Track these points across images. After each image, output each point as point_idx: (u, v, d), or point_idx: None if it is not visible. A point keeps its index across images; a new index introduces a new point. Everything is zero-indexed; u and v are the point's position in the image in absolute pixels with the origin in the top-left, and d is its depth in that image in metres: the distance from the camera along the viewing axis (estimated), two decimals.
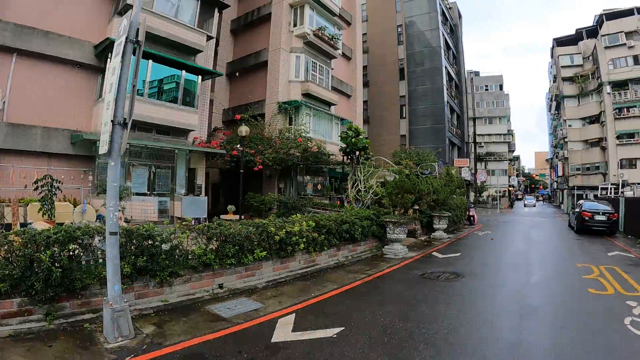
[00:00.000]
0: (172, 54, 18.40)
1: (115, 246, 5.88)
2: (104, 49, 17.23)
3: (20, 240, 6.18)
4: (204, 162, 20.81)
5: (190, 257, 7.85)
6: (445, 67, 45.65)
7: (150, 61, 17.62)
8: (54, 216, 12.91)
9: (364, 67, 39.36)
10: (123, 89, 5.88)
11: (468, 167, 47.56)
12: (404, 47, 44.93)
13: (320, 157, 22.91)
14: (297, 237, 9.95)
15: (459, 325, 6.51)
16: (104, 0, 18.67)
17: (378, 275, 10.40)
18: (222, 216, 17.35)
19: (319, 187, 26.37)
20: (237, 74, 28.09)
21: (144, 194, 17.41)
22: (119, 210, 12.74)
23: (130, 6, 16.60)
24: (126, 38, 5.90)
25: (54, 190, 12.85)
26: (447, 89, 45.34)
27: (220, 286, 8.23)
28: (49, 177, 12.81)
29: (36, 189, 12.68)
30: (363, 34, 39.03)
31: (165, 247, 7.47)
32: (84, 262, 6.65)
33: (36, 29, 16.31)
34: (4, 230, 10.63)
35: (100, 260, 6.81)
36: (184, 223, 8.46)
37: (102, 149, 5.97)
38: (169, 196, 18.23)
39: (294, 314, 7.00)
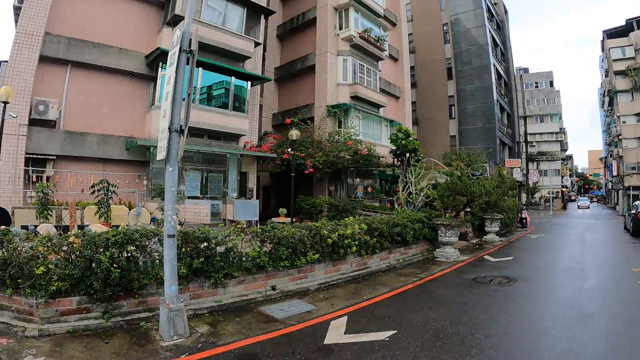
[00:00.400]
0: (221, 61, 18.83)
1: (173, 248, 6.08)
2: (155, 58, 17.93)
3: (80, 242, 6.40)
4: (255, 165, 21.06)
5: (244, 259, 7.97)
6: (494, 65, 44.29)
7: (200, 69, 18.10)
8: (110, 218, 13.49)
9: (411, 68, 38.80)
10: (178, 97, 6.05)
11: (520, 167, 46.12)
12: (450, 45, 44.13)
13: (370, 159, 22.73)
14: (350, 240, 9.94)
15: (510, 331, 6.36)
16: (153, 12, 19.48)
17: (430, 279, 10.28)
18: (273, 219, 17.46)
19: (369, 189, 26.13)
20: (284, 79, 28.42)
21: (197, 197, 17.84)
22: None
23: (179, 16, 17.43)
24: (180, 48, 6.07)
25: (110, 194, 13.48)
26: (496, 87, 43.96)
27: (273, 288, 8.33)
28: (105, 181, 13.47)
29: (93, 192, 13.37)
30: (409, 34, 38.46)
31: (220, 249, 7.59)
32: (140, 263, 6.85)
33: (88, 42, 17.24)
34: (62, 232, 11.15)
35: (157, 262, 7.01)
36: (238, 226, 8.54)
37: (160, 155, 6.18)
38: (221, 199, 18.59)
39: (346, 317, 6.98)
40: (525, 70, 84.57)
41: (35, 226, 11.22)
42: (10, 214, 12.83)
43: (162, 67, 17.86)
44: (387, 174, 26.64)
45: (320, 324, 6.62)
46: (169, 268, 6.00)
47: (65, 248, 6.41)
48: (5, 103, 11.68)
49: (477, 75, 43.06)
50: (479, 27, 43.83)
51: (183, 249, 7.14)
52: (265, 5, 22.02)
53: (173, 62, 6.21)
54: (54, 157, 16.22)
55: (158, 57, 17.70)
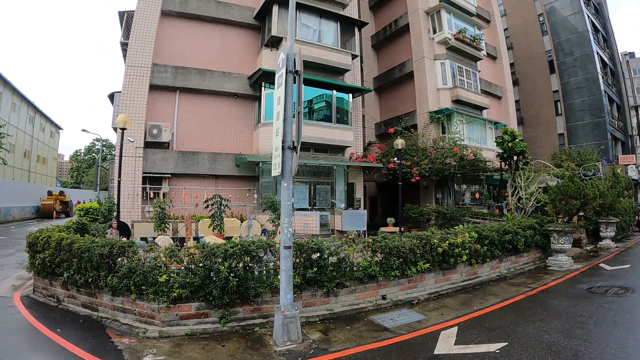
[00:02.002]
0: (321, 76, 19.12)
1: (289, 259, 6.44)
2: (257, 79, 18.64)
3: (199, 253, 6.90)
4: (362, 176, 20.98)
5: (355, 269, 8.13)
6: (597, 53, 40.34)
7: (302, 85, 18.24)
8: (223, 230, 14.10)
9: (511, 65, 36.76)
10: (289, 116, 6.39)
11: (635, 164, 41.92)
12: (548, 37, 41.28)
13: (476, 164, 21.77)
14: (460, 249, 9.81)
15: (627, 346, 5.91)
16: (249, 36, 20.51)
17: (542, 289, 9.84)
18: (381, 228, 17.27)
19: (477, 195, 25.00)
20: (383, 88, 28.17)
21: (305, 209, 18.14)
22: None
23: (276, 37, 18.16)
24: (286, 69, 6.42)
25: (223, 207, 14.07)
26: (602, 77, 40.02)
27: (383, 297, 8.44)
28: (218, 196, 14.16)
29: (207, 207, 14.06)
30: (504, 29, 36.55)
31: (332, 259, 7.79)
32: (256, 273, 7.26)
33: (191, 68, 18.59)
34: (178, 244, 11.68)
35: (271, 271, 7.44)
36: (349, 237, 8.68)
37: (275, 171, 6.50)
38: (329, 210, 18.77)
39: (456, 327, 6.94)
40: (631, 54, 76.85)
41: (154, 238, 12.07)
42: (130, 227, 13.90)
43: (264, 87, 18.57)
44: (494, 178, 25.34)
45: (430, 334, 6.63)
46: (284, 277, 6.35)
47: (186, 259, 6.95)
48: (123, 129, 12.56)
49: (581, 66, 39.77)
50: (576, 14, 40.50)
51: (297, 260, 7.44)
52: (357, 18, 22.11)
53: (281, 83, 6.57)
54: (169, 175, 17.52)
55: (260, 78, 18.42)
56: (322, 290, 7.62)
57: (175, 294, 6.62)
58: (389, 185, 24.06)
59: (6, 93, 38.84)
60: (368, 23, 24.98)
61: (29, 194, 35.71)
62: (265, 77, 18.35)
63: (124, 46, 20.19)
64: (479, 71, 27.30)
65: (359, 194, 20.49)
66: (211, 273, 6.71)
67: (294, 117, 6.56)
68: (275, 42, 18.90)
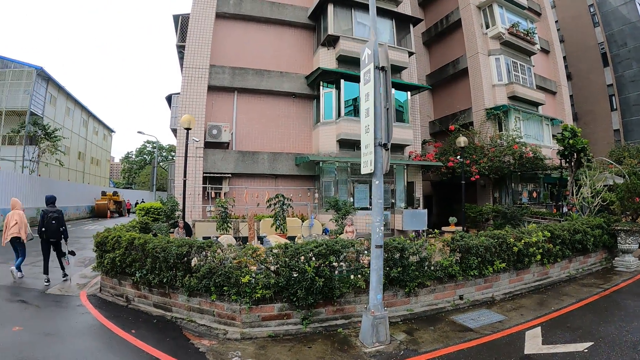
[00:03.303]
0: None
1: (380, 258, 6.31)
2: (315, 78, 18.62)
3: (283, 253, 6.80)
4: (420, 175, 20.73)
5: (435, 268, 7.98)
6: None
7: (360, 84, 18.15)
8: (286, 230, 14.08)
9: (563, 59, 35.60)
10: (378, 112, 6.20)
11: None
12: (600, 28, 39.53)
13: (536, 162, 21.17)
14: (534, 248, 9.60)
15: None
16: (304, 36, 20.60)
17: (614, 290, 9.61)
18: (443, 228, 16.92)
19: (534, 194, 24.33)
20: (436, 85, 27.76)
21: (366, 209, 17.93)
22: (351, 224, 13.21)
23: (332, 36, 18.23)
24: (374, 65, 6.26)
25: (285, 207, 14.06)
26: None
27: (461, 297, 8.33)
28: (280, 195, 14.21)
29: (269, 206, 14.17)
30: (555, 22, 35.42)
31: (413, 258, 7.68)
32: (336, 273, 7.10)
33: (249, 69, 18.79)
34: (241, 243, 11.70)
35: (356, 270, 7.28)
36: (429, 236, 8.72)
37: (366, 169, 6.35)
38: (390, 209, 18.55)
39: (539, 327, 6.84)
40: None
41: (217, 237, 11.96)
42: (191, 226, 14.07)
43: (322, 86, 18.64)
44: (552, 177, 24.62)
45: (516, 335, 6.55)
46: (375, 277, 6.21)
47: (270, 259, 6.86)
48: (188, 129, 12.82)
49: (635, 58, 37.78)
50: (628, 3, 38.48)
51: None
52: (411, 14, 21.81)
53: (368, 79, 6.43)
54: (229, 175, 17.75)
55: (318, 77, 18.44)
56: (403, 290, 7.52)
57: (258, 295, 6.51)
58: (444, 185, 23.70)
59: (60, 98, 40.23)
60: (423, 19, 24.69)
61: (84, 194, 36.80)
62: (323, 76, 18.39)
63: (180, 49, 20.60)
64: (533, 66, 26.55)
65: (418, 193, 20.28)
66: (295, 273, 6.63)
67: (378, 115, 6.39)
68: (331, 41, 18.90)
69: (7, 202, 21.93)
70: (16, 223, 10.24)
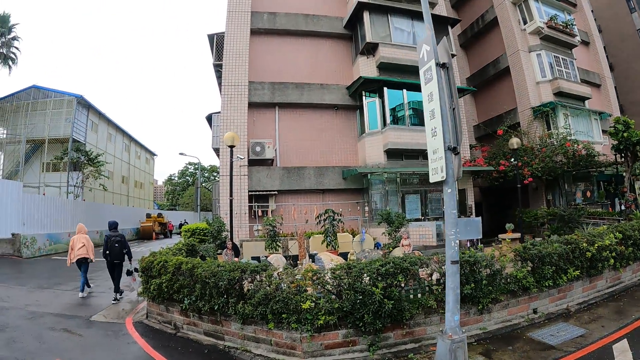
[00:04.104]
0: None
1: (456, 275, 5.63)
2: (357, 88, 18.34)
3: (346, 274, 6.36)
4: (471, 181, 20.14)
5: (508, 281, 7.50)
6: None
7: (404, 90, 17.93)
8: (337, 246, 13.61)
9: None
10: (445, 113, 5.63)
11: None
12: (638, 14, 38.20)
13: (589, 160, 20.28)
14: (607, 252, 8.99)
15: None
16: (341, 46, 20.43)
17: None
18: (500, 236, 16.33)
19: (588, 194, 23.35)
20: (477, 87, 26.93)
21: (418, 220, 17.51)
22: (407, 237, 12.75)
23: (371, 44, 18.00)
24: (435, 63, 5.72)
25: (335, 222, 13.66)
26: None
27: (535, 311, 7.80)
28: (330, 211, 13.79)
29: (318, 222, 13.75)
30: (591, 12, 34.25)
31: (484, 272, 7.21)
32: (403, 292, 6.64)
33: (288, 83, 18.68)
34: (292, 262, 11.42)
35: (427, 289, 6.84)
36: (499, 246, 8.26)
37: (435, 177, 5.75)
38: (442, 219, 17.81)
39: (625, 339, 6.38)
40: None
41: (266, 257, 11.76)
42: (239, 246, 13.77)
43: (364, 95, 18.36)
44: (605, 174, 23.60)
45: (602, 350, 6.07)
46: (452, 296, 5.56)
47: (332, 281, 6.42)
48: (232, 147, 12.73)
49: None
50: None
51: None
52: (447, 15, 21.37)
53: (430, 77, 5.87)
54: (275, 192, 17.56)
55: (360, 86, 18.17)
56: (476, 307, 7.04)
57: (320, 322, 6.06)
58: (492, 190, 23.05)
59: (102, 124, 41.27)
60: (461, 20, 24.15)
61: (129, 216, 37.36)
62: (365, 85, 18.13)
63: (217, 67, 20.72)
64: (575, 59, 25.63)
65: (470, 200, 19.69)
66: (360, 296, 6.16)
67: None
68: (370, 49, 18.68)
69: (54, 227, 23.07)
70: (83, 245, 11.22)
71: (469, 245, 15.00)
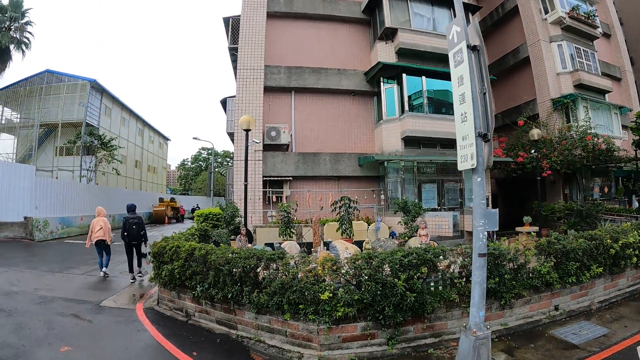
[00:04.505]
0: (440, 66, 18.05)
1: (483, 269, 5.37)
2: (375, 73, 18.11)
3: (367, 264, 6.15)
4: (488, 172, 19.79)
5: (531, 276, 7.31)
6: None
7: (423, 77, 17.66)
8: (353, 234, 13.41)
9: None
10: (476, 97, 5.31)
11: None
12: None
13: (609, 154, 19.85)
14: (630, 250, 8.81)
15: None
16: (359, 31, 20.07)
17: None
18: (517, 228, 16.05)
19: (605, 189, 22.94)
20: (496, 77, 26.55)
21: (434, 209, 17.28)
22: (424, 227, 12.52)
23: (390, 29, 17.58)
24: (467, 45, 5.37)
25: (351, 210, 13.47)
26: None
27: (556, 308, 7.62)
28: (346, 198, 13.57)
29: (334, 209, 13.53)
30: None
31: (508, 266, 7.05)
32: (425, 285, 6.46)
33: (305, 67, 18.44)
34: (305, 249, 11.27)
35: (448, 282, 6.67)
36: (524, 240, 8.11)
37: (465, 164, 5.44)
38: (459, 210, 17.82)
39: None
40: None
41: (280, 244, 11.67)
42: (252, 232, 13.81)
43: (382, 82, 18.08)
44: (623, 170, 23.16)
45: (627, 351, 5.92)
46: (478, 291, 5.31)
47: (352, 272, 6.22)
48: (247, 130, 12.54)
49: None
50: None
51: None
52: (468, 2, 20.86)
53: (461, 59, 5.54)
54: (290, 178, 17.39)
55: (379, 72, 17.90)
56: (498, 302, 6.84)
57: (339, 314, 5.87)
58: (509, 182, 22.72)
59: (115, 109, 41.26)
60: (482, 7, 23.65)
61: (141, 201, 37.30)
62: (383, 71, 17.88)
63: (233, 51, 20.47)
64: (597, 51, 25.09)
65: (487, 191, 19.31)
66: (381, 287, 5.95)
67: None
68: (389, 34, 18.39)
69: (68, 210, 23.07)
70: (101, 228, 11.70)
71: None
